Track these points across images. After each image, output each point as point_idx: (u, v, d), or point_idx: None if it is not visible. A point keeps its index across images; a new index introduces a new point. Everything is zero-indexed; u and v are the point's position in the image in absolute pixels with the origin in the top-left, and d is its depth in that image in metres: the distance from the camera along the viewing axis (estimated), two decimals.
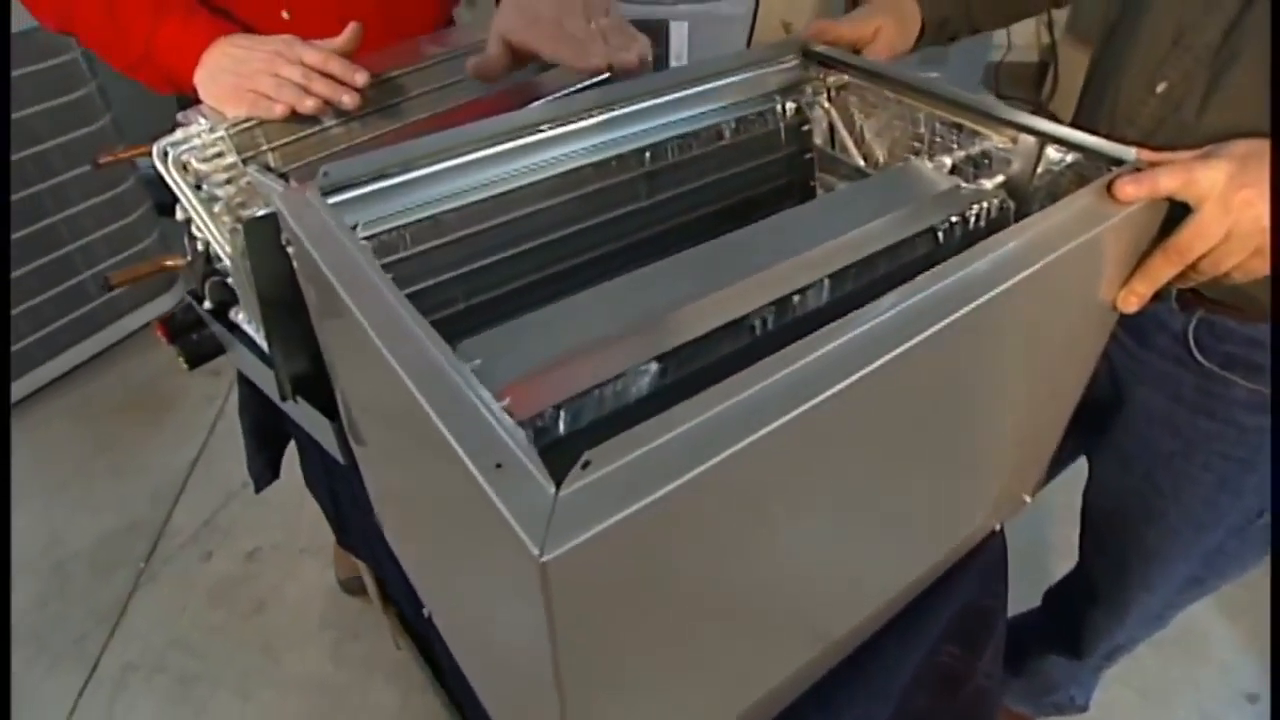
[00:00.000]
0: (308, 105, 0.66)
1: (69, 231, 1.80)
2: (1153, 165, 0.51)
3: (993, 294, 0.42)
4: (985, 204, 0.59)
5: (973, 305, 0.41)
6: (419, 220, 0.57)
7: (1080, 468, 0.92)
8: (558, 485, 0.31)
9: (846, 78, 0.72)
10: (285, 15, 0.82)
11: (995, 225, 0.59)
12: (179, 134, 0.64)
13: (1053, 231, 0.46)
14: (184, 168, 0.64)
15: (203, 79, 0.70)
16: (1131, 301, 0.55)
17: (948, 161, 0.64)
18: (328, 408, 0.63)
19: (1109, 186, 0.49)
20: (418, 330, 0.39)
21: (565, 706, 0.36)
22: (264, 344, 0.63)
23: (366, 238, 0.55)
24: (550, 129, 0.61)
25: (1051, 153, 0.58)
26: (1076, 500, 0.93)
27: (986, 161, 0.63)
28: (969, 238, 0.59)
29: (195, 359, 0.74)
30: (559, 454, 0.34)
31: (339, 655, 1.40)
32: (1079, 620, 0.99)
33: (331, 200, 0.52)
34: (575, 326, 0.45)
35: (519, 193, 0.61)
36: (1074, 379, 0.65)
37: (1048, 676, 1.10)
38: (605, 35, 0.65)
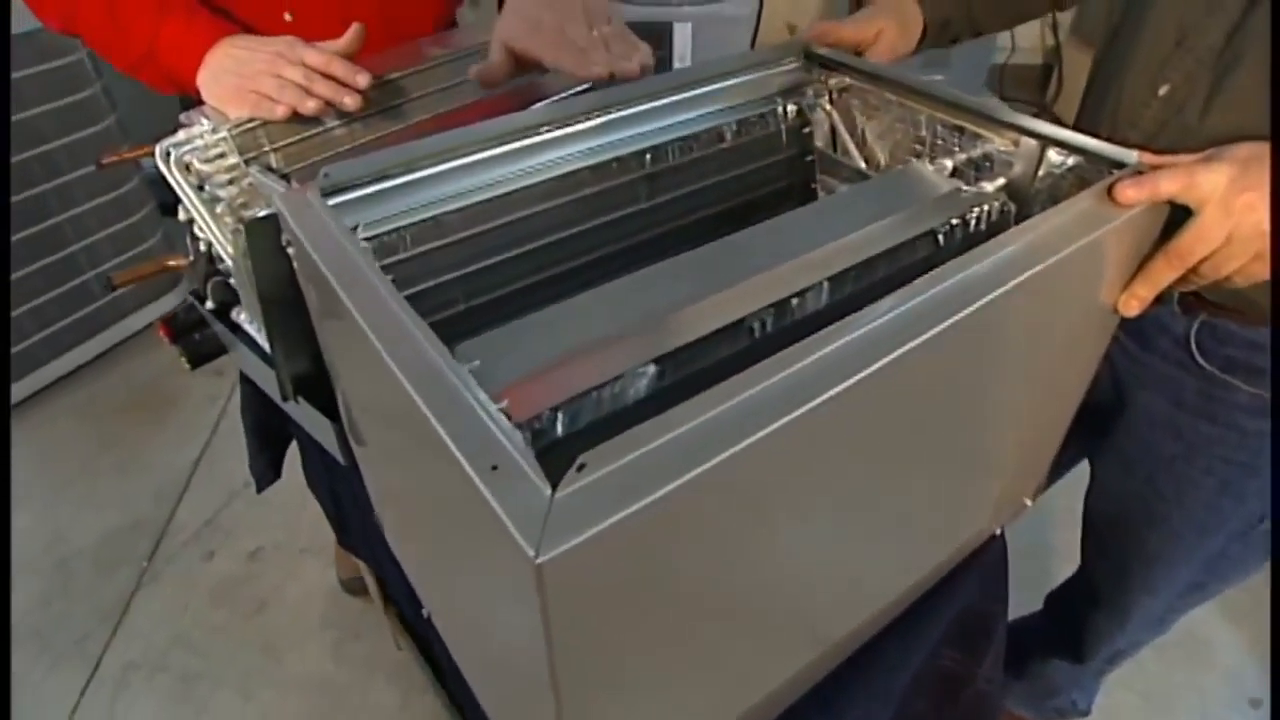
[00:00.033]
0: (309, 106, 0.66)
1: (74, 231, 1.81)
2: (1154, 168, 0.50)
3: (992, 297, 0.42)
4: (986, 207, 0.59)
5: (972, 308, 0.41)
6: (420, 221, 0.57)
7: (1083, 471, 0.91)
8: (553, 487, 0.31)
9: (848, 80, 0.72)
10: (288, 17, 0.82)
11: (996, 228, 0.59)
12: (181, 135, 0.65)
13: (1053, 234, 0.46)
14: (186, 168, 0.64)
15: (205, 80, 0.70)
16: (1132, 305, 0.55)
17: (949, 164, 0.64)
18: (328, 408, 0.63)
19: (1110, 189, 0.49)
20: (416, 332, 0.39)
21: (561, 708, 0.36)
22: (265, 344, 0.63)
23: (367, 239, 0.55)
24: (551, 131, 0.61)
25: (1053, 156, 0.58)
26: (1079, 504, 0.92)
27: (988, 164, 0.63)
28: (969, 241, 0.59)
29: (197, 359, 0.75)
30: (557, 456, 0.34)
31: (340, 655, 1.41)
32: (1080, 624, 0.99)
33: (332, 201, 0.53)
34: (574, 328, 0.45)
35: (520, 194, 0.61)
36: (1075, 382, 0.65)
37: (1049, 680, 1.10)
38: (607, 43, 0.65)
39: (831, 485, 0.44)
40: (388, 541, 0.72)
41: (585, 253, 0.65)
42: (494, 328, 0.45)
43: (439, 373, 0.37)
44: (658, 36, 1.96)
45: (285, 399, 0.65)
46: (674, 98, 0.66)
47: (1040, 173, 0.59)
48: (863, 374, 0.37)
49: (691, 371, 0.47)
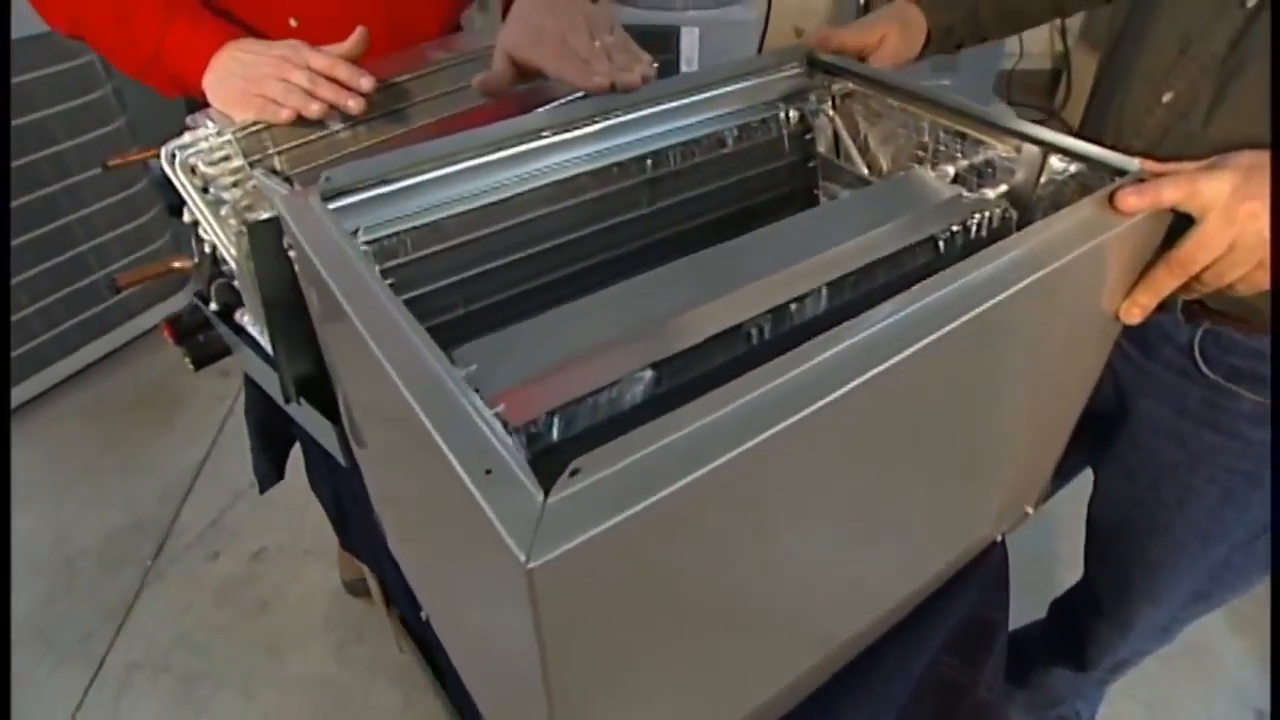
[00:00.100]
0: (314, 110, 0.66)
1: (83, 232, 1.82)
2: (1156, 176, 0.50)
3: (992, 303, 0.42)
4: (987, 213, 0.59)
5: (972, 314, 0.41)
6: (420, 225, 0.57)
7: (1088, 478, 0.91)
8: (546, 493, 0.31)
9: (851, 85, 0.72)
10: (293, 22, 0.82)
11: (997, 235, 0.59)
12: (187, 137, 0.65)
13: (1054, 241, 0.46)
14: (191, 170, 0.65)
15: (211, 83, 0.70)
16: (1134, 313, 0.55)
17: (951, 170, 0.63)
18: (330, 410, 0.64)
19: (1111, 197, 0.49)
20: (413, 336, 0.39)
21: (554, 713, 0.36)
22: (268, 346, 0.63)
23: (368, 242, 0.55)
24: (552, 135, 0.61)
25: (1055, 162, 0.58)
26: (1083, 511, 0.92)
27: (990, 170, 0.63)
28: (970, 247, 0.59)
29: (201, 360, 0.75)
30: (552, 461, 0.34)
31: (343, 656, 1.41)
32: (1084, 633, 0.98)
33: (333, 205, 0.53)
34: (571, 333, 0.45)
35: (520, 199, 0.61)
36: (1076, 390, 0.65)
37: (1053, 689, 1.09)
38: (609, 53, 0.65)
39: (829, 492, 0.44)
40: (388, 543, 0.72)
41: (586, 258, 0.65)
42: (493, 332, 0.46)
43: (436, 377, 0.37)
44: (665, 41, 1.97)
45: (287, 400, 0.65)
46: (676, 102, 0.66)
47: (1042, 179, 0.59)
48: (859, 380, 0.37)
49: (689, 377, 0.47)
